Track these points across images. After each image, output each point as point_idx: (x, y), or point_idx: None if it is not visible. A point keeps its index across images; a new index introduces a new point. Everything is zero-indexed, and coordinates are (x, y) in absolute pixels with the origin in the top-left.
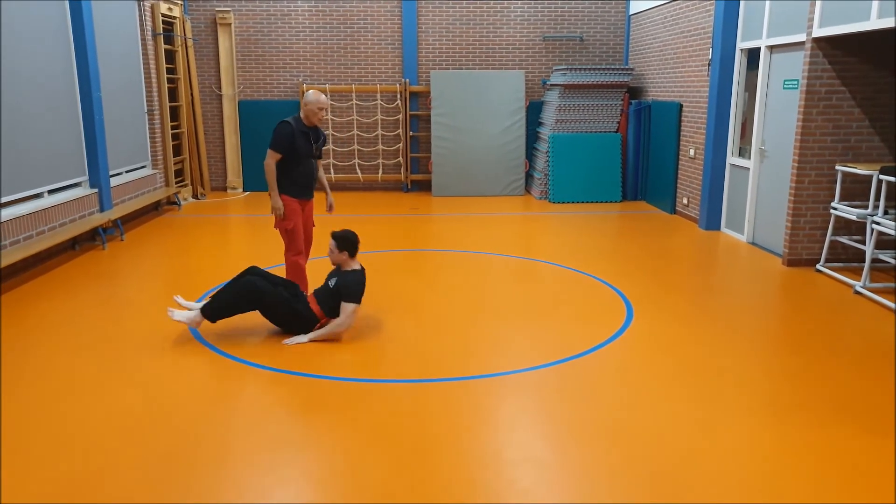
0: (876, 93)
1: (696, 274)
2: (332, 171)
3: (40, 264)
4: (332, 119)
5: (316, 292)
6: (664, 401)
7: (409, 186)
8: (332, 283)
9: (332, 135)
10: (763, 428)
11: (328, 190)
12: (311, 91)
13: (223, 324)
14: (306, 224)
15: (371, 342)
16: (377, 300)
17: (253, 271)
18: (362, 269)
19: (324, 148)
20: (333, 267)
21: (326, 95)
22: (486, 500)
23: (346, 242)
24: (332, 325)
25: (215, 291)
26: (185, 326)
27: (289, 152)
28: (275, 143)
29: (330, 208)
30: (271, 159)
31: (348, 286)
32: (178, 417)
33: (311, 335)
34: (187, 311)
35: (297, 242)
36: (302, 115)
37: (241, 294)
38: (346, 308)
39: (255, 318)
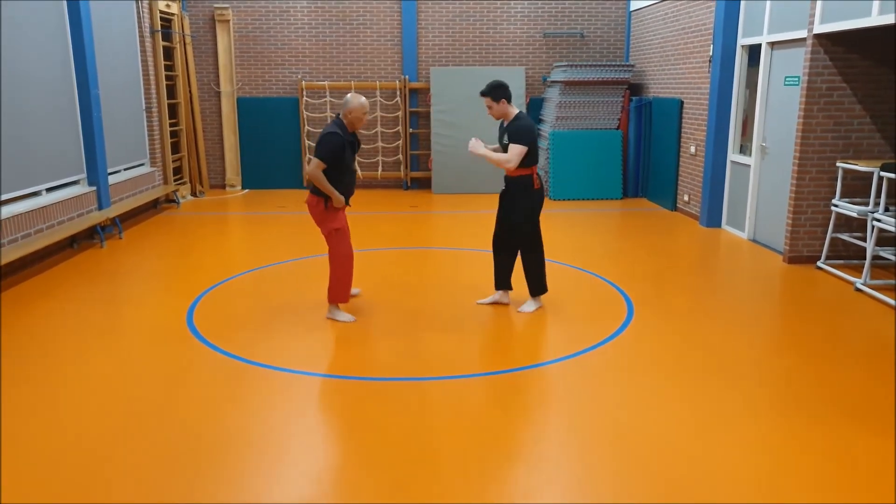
0: (877, 89)
1: (697, 271)
2: None
3: (38, 262)
4: (330, 116)
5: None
6: (665, 398)
7: (409, 184)
8: (505, 139)
9: None
10: (765, 426)
11: None
12: (350, 95)
13: (223, 321)
14: None
15: (370, 340)
16: (377, 298)
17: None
18: (523, 113)
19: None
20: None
21: (326, 92)
22: (486, 499)
23: (499, 90)
24: (503, 157)
25: (529, 274)
26: (183, 325)
27: (338, 163)
28: (327, 154)
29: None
30: (318, 169)
31: (518, 131)
32: (178, 417)
33: (487, 152)
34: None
35: (347, 239)
36: (347, 121)
37: (529, 248)
38: (514, 149)
39: (254, 316)
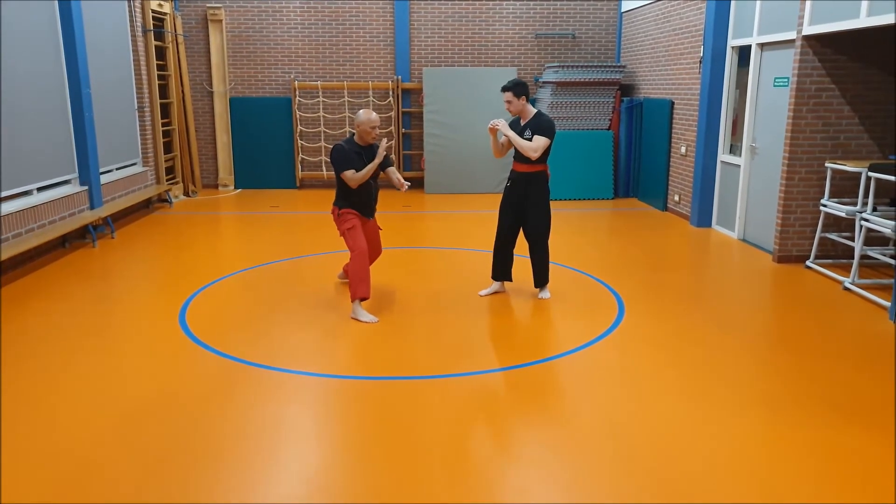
0: (865, 90)
1: (688, 271)
2: (323, 168)
3: (30, 262)
4: (323, 116)
5: (517, 157)
6: (656, 397)
7: None
8: (527, 133)
9: (324, 132)
10: (756, 424)
11: (397, 176)
12: (361, 111)
13: (216, 321)
14: (372, 237)
15: (364, 340)
16: (371, 298)
17: (507, 241)
18: (543, 112)
19: (315, 146)
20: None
21: (318, 92)
22: (480, 499)
23: (521, 87)
24: (528, 143)
25: (539, 267)
26: (176, 325)
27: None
28: (341, 164)
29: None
30: (348, 176)
31: (543, 125)
32: (171, 416)
33: (512, 133)
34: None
35: (358, 239)
36: (357, 135)
37: (545, 244)
38: (539, 139)
39: (246, 315)
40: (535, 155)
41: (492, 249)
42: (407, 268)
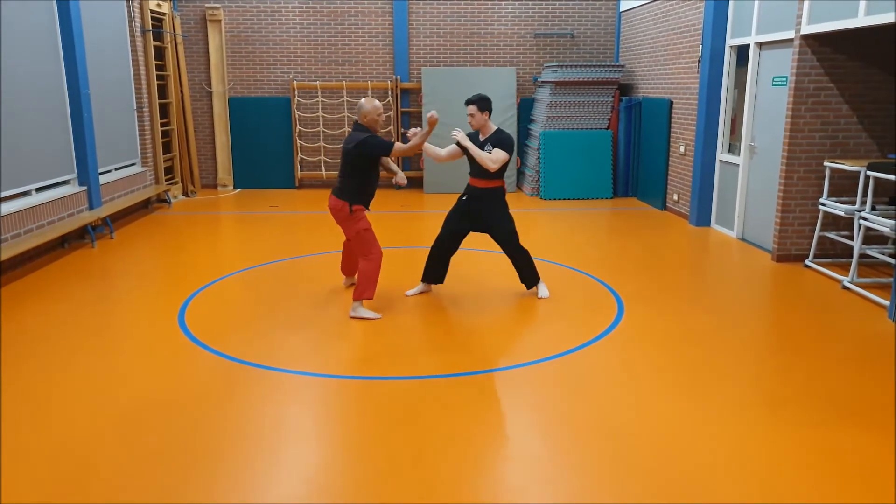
0: (864, 89)
1: (687, 270)
2: (322, 168)
3: (28, 262)
4: (322, 116)
5: (473, 172)
6: (656, 396)
7: None
8: (487, 148)
9: (323, 132)
10: (755, 423)
11: (396, 169)
12: (363, 100)
13: (215, 321)
14: None
15: (362, 340)
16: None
17: (447, 241)
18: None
19: (314, 146)
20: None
21: (317, 92)
22: (478, 499)
23: (486, 102)
24: (486, 154)
25: (522, 268)
26: (175, 325)
27: (367, 163)
28: (382, 143)
29: (399, 184)
30: (399, 149)
31: (503, 141)
32: (170, 417)
33: (471, 144)
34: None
35: (376, 241)
36: (365, 124)
37: (518, 246)
38: (498, 153)
39: (246, 315)
40: (493, 167)
41: (485, 249)
42: (406, 267)
